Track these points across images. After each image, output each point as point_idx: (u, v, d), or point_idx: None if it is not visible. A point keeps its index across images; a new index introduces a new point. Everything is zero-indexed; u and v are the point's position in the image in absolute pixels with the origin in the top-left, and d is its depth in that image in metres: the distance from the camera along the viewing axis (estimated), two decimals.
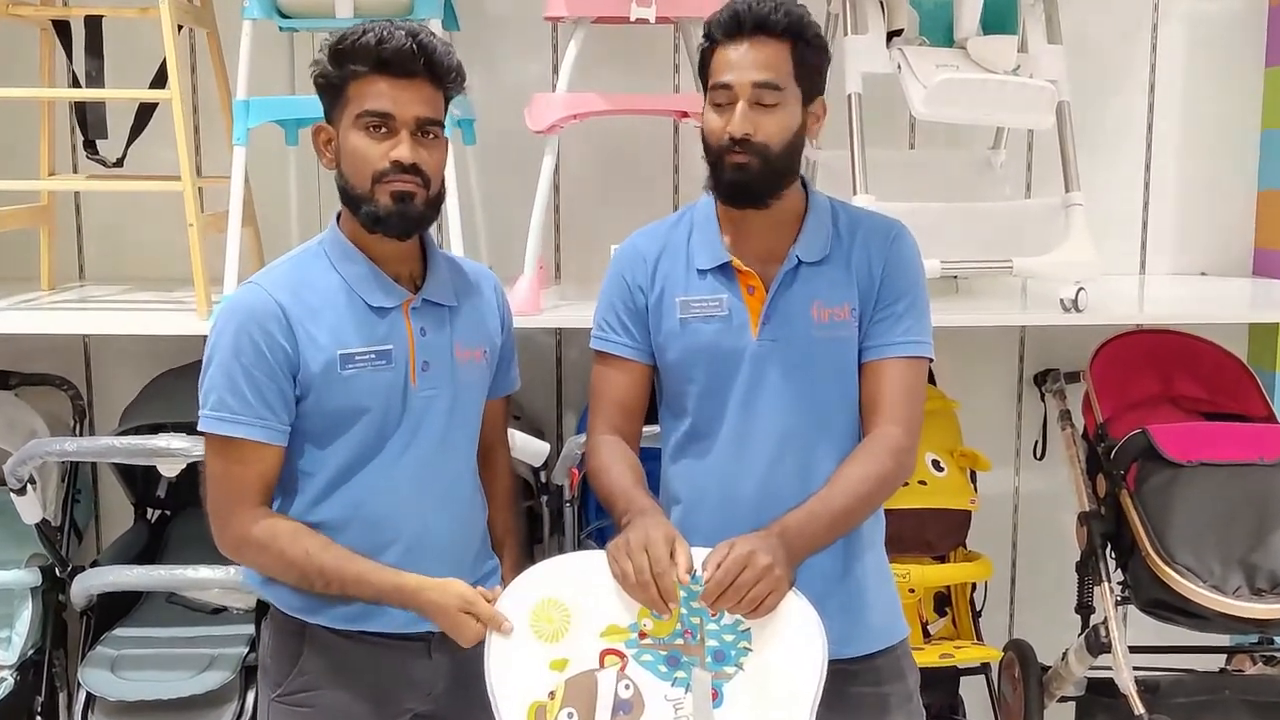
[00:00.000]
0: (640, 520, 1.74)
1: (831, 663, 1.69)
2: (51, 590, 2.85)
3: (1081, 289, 2.64)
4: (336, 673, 1.84)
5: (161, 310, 2.81)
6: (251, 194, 2.90)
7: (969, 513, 2.84)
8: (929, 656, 2.73)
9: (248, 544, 1.79)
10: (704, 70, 1.87)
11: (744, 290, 1.87)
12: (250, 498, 1.78)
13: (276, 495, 1.83)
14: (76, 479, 3.03)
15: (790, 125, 1.81)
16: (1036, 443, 3.32)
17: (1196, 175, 3.37)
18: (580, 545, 2.78)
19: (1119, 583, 2.73)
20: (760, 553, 1.65)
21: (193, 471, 2.63)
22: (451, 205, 2.60)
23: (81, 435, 3.07)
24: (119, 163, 2.89)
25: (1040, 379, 3.30)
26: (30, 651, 2.80)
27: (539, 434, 2.66)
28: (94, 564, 2.84)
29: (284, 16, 2.73)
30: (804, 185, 1.93)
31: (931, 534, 2.78)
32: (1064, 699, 2.97)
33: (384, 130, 1.75)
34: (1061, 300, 2.67)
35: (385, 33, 1.73)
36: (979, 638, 2.96)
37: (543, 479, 2.84)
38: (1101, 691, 2.85)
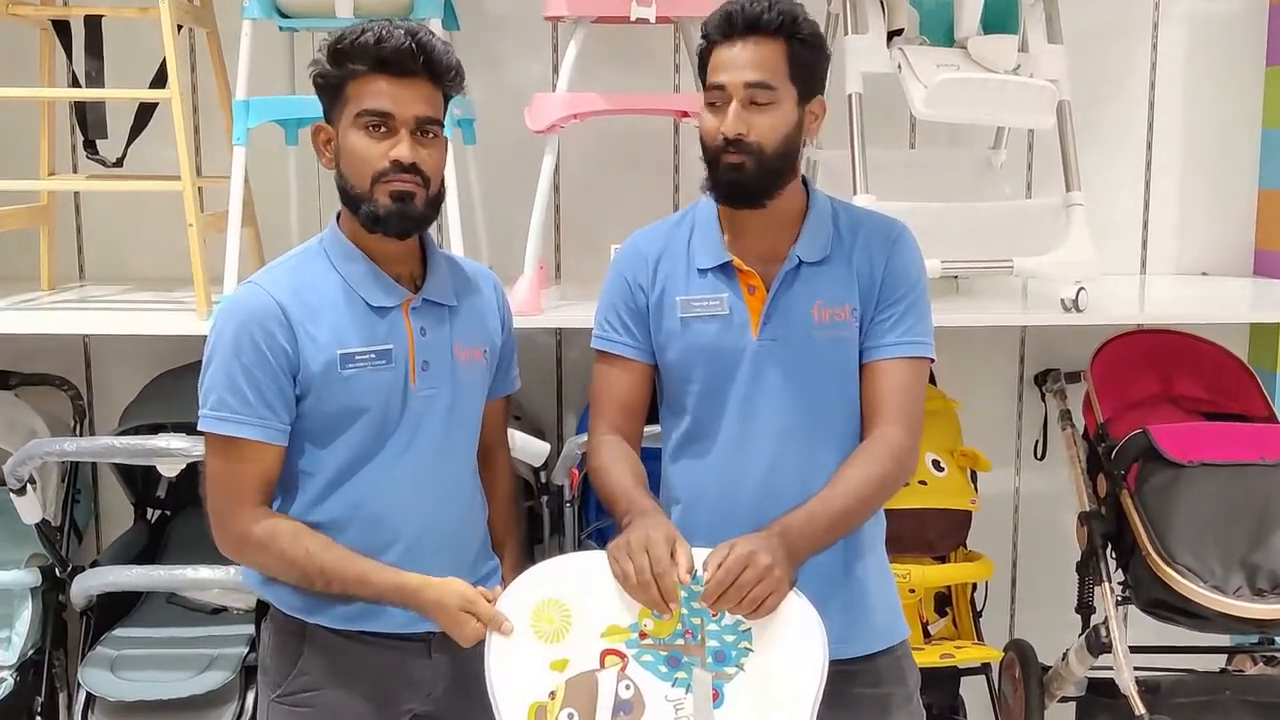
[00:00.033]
0: (641, 521, 1.74)
1: (832, 663, 1.68)
2: (51, 590, 2.85)
3: (1082, 289, 2.64)
4: (336, 673, 1.84)
5: (161, 310, 2.81)
6: (251, 194, 2.90)
7: (969, 513, 2.83)
8: (929, 656, 2.73)
9: (248, 544, 1.79)
10: (702, 71, 1.87)
11: (745, 290, 1.87)
12: (250, 497, 1.78)
13: (277, 495, 1.83)
14: (76, 479, 3.03)
15: (784, 125, 1.81)
16: (1037, 443, 3.32)
17: (1197, 175, 3.37)
18: (580, 545, 2.78)
19: (1119, 583, 2.73)
20: (761, 553, 1.65)
21: (193, 472, 2.63)
22: (451, 205, 2.60)
23: (81, 435, 3.07)
24: (119, 163, 2.89)
25: (1041, 379, 3.30)
26: (30, 652, 2.80)
27: (539, 434, 2.66)
28: (94, 564, 2.84)
29: (284, 16, 2.73)
30: (805, 185, 1.93)
31: (932, 534, 2.78)
32: (1064, 699, 2.97)
33: (383, 129, 1.75)
34: (1062, 300, 2.66)
35: (384, 32, 1.73)
36: (979, 638, 2.96)
37: (543, 479, 2.84)
38: (1102, 692, 2.84)
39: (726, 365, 1.86)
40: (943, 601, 3.02)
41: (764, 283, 1.86)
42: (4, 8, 2.78)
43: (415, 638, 1.84)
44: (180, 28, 2.70)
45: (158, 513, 3.12)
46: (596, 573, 1.72)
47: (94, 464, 3.18)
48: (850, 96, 2.65)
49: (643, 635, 1.70)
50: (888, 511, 1.98)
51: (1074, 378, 3.16)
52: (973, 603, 3.00)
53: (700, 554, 1.69)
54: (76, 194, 3.27)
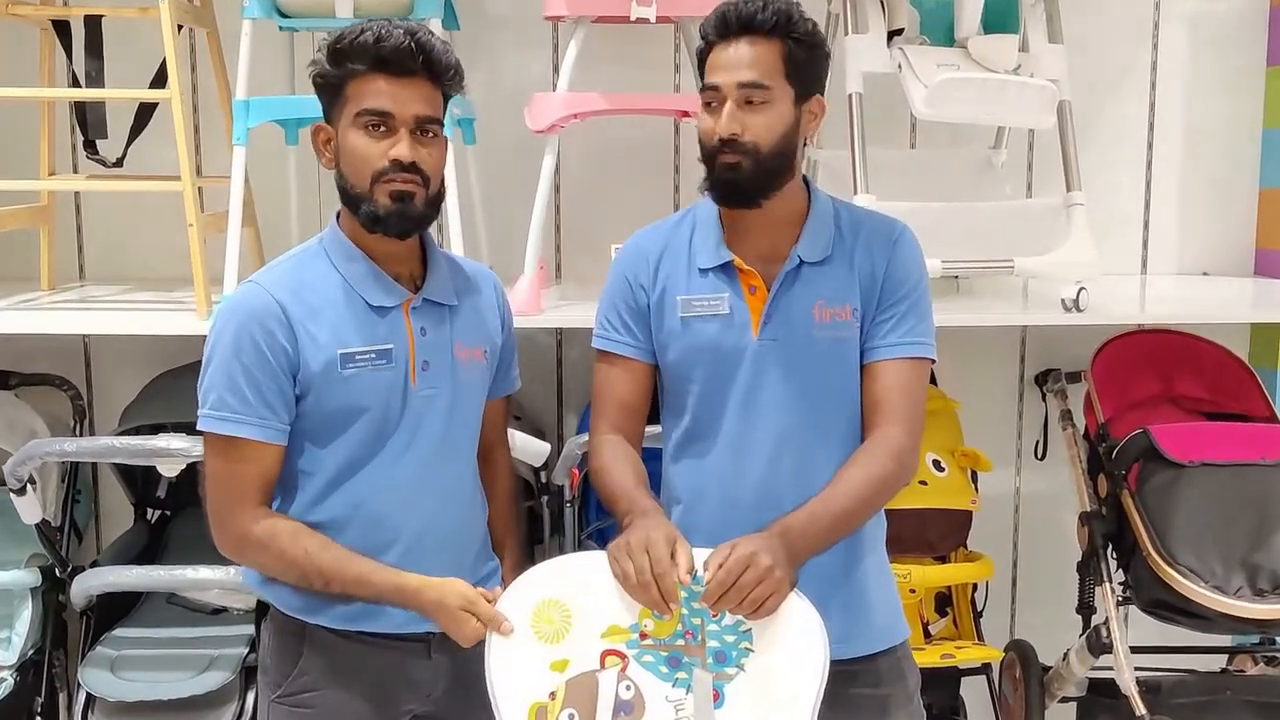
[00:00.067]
0: (641, 521, 1.74)
1: (832, 663, 1.68)
2: (51, 590, 2.85)
3: (1083, 289, 2.64)
4: (336, 673, 1.84)
5: (161, 310, 2.81)
6: (251, 194, 2.90)
7: (970, 513, 2.83)
8: (930, 657, 2.73)
9: (247, 544, 1.78)
10: (701, 71, 1.87)
11: (745, 290, 1.87)
12: (250, 497, 1.78)
13: (276, 495, 1.82)
14: (76, 479, 3.03)
15: (780, 124, 1.81)
16: (1038, 443, 3.32)
17: (1198, 175, 3.37)
18: (581, 545, 2.78)
19: (1120, 583, 2.72)
20: (762, 554, 1.65)
21: (192, 472, 2.63)
22: (452, 205, 2.60)
23: (81, 435, 3.06)
24: (119, 163, 2.89)
25: (1041, 379, 3.29)
26: (30, 652, 2.80)
27: (539, 434, 2.66)
28: (94, 564, 2.84)
29: (284, 16, 2.73)
30: (807, 185, 1.93)
31: (932, 534, 2.78)
32: (1065, 699, 2.97)
33: (383, 129, 1.75)
34: (1063, 300, 2.66)
35: (383, 31, 1.73)
36: (980, 638, 2.96)
37: (543, 479, 2.84)
38: (1103, 692, 2.84)
39: (727, 365, 1.86)
40: (943, 602, 3.02)
41: (765, 282, 1.86)
42: (4, 8, 2.78)
43: (415, 638, 1.83)
44: (180, 28, 2.70)
45: (158, 513, 3.12)
46: (597, 573, 1.72)
47: (94, 464, 3.17)
48: (850, 96, 2.64)
49: (643, 636, 1.70)
50: (888, 512, 1.98)
51: (1075, 378, 3.16)
52: (973, 603, 3.00)
53: (701, 554, 1.69)
54: (76, 194, 3.27)
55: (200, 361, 1.79)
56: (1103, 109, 3.29)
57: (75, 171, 3.21)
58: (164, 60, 2.62)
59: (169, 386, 2.91)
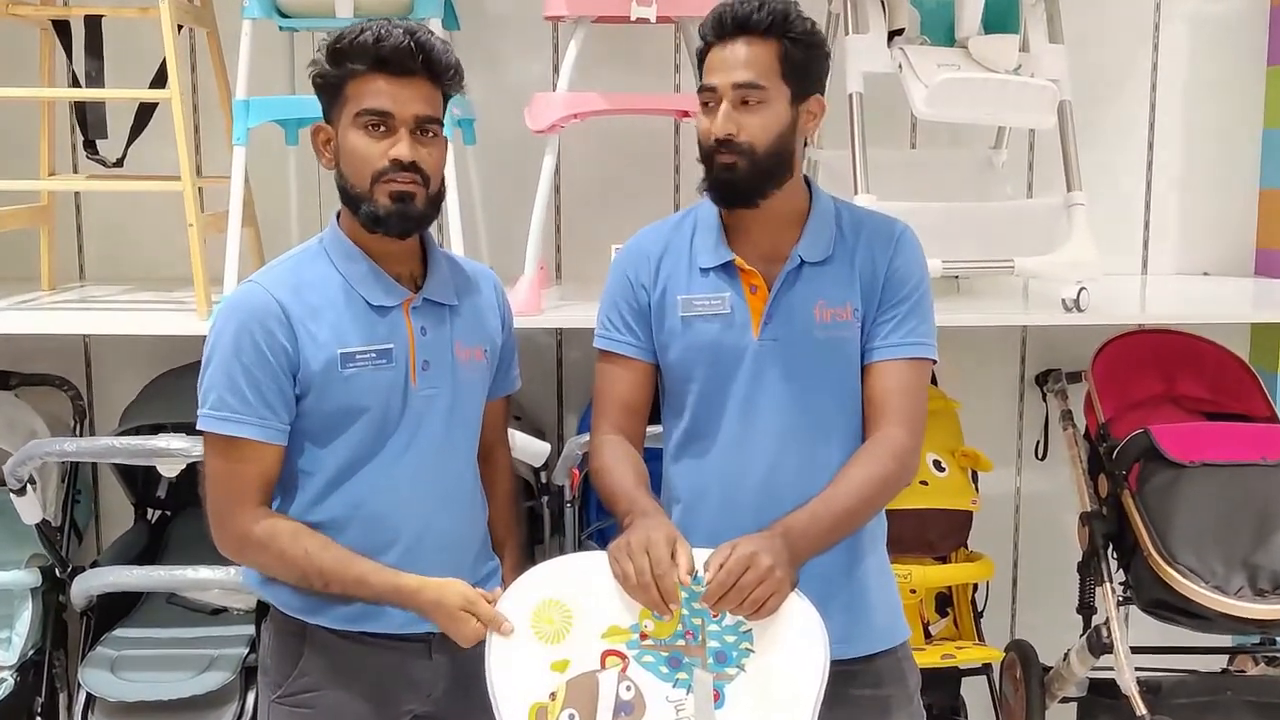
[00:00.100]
0: (642, 521, 1.74)
1: (832, 663, 1.68)
2: (51, 591, 2.85)
3: (1083, 289, 2.64)
4: (337, 673, 1.83)
5: (161, 310, 2.81)
6: (251, 194, 2.90)
7: (970, 513, 2.83)
8: (931, 657, 2.73)
9: (247, 544, 1.78)
10: (701, 72, 1.87)
11: (746, 289, 1.87)
12: (250, 497, 1.78)
13: (276, 495, 1.82)
14: (76, 479, 3.03)
15: (776, 124, 1.81)
16: (1038, 443, 3.32)
17: (1198, 175, 3.37)
18: (581, 546, 2.78)
19: (1121, 583, 2.72)
20: (763, 554, 1.65)
21: (193, 472, 2.63)
22: (452, 205, 2.60)
23: (81, 435, 3.07)
24: (119, 163, 2.89)
25: (1042, 379, 3.29)
26: (30, 652, 2.80)
27: (539, 434, 2.66)
28: (94, 564, 2.84)
29: (284, 16, 2.73)
30: (808, 185, 1.92)
31: (933, 534, 2.78)
32: (1066, 700, 2.96)
33: (383, 129, 1.74)
34: (1063, 300, 2.66)
35: (383, 31, 1.73)
36: (980, 638, 2.95)
37: (543, 479, 2.84)
38: (1103, 692, 2.84)
39: (727, 364, 1.86)
40: (944, 602, 3.02)
41: (766, 282, 1.86)
42: (4, 8, 2.78)
43: (415, 638, 1.83)
44: (180, 28, 2.70)
45: (158, 513, 3.12)
46: (597, 573, 1.72)
47: (94, 464, 3.17)
48: (851, 96, 2.64)
49: (643, 636, 1.70)
50: (889, 512, 1.98)
51: (1075, 378, 3.15)
52: (974, 603, 3.00)
53: (701, 554, 1.69)
54: (77, 194, 3.27)
55: (200, 361, 1.79)
56: (1103, 109, 3.29)
57: (75, 171, 3.21)
58: (164, 60, 2.62)
59: (169, 386, 2.91)
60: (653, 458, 1.94)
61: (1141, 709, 2.61)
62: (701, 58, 1.85)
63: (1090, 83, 3.14)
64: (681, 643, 1.69)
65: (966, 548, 2.88)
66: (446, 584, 1.75)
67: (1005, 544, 3.40)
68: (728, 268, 1.87)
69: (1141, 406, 2.89)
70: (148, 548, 2.99)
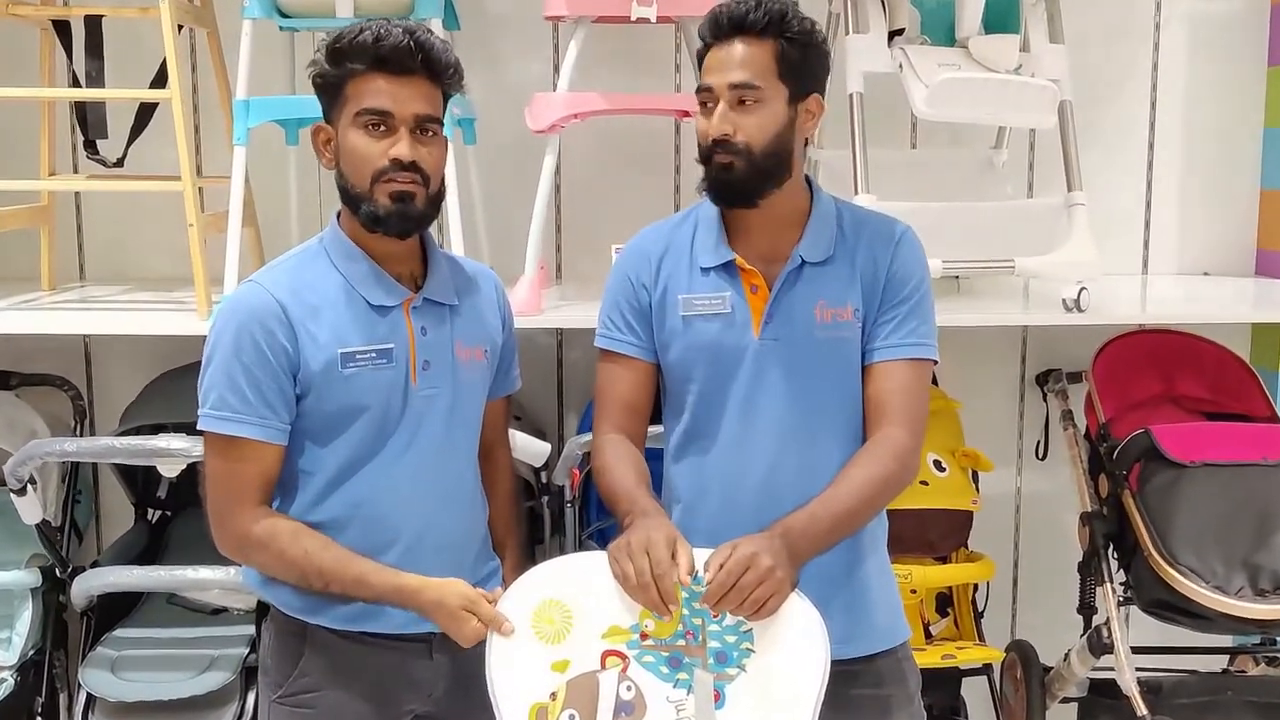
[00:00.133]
0: (642, 521, 1.73)
1: (833, 664, 1.68)
2: (52, 591, 2.85)
3: (1084, 289, 2.64)
4: (337, 673, 1.83)
5: (162, 310, 2.81)
6: (252, 194, 2.90)
7: (971, 513, 2.83)
8: (931, 657, 2.73)
9: (248, 543, 1.78)
10: (700, 72, 1.88)
11: (747, 289, 1.87)
12: (250, 497, 1.78)
13: (277, 495, 1.82)
14: (77, 479, 3.03)
15: (772, 124, 1.81)
16: (1039, 443, 3.32)
17: (1199, 175, 3.37)
18: (581, 546, 2.78)
19: (1121, 583, 2.72)
20: (763, 554, 1.65)
21: (193, 472, 2.63)
22: (452, 205, 2.60)
23: (82, 436, 3.06)
24: (119, 163, 2.89)
25: (1042, 379, 3.29)
26: (30, 652, 2.80)
27: (540, 434, 2.65)
28: (94, 564, 2.84)
29: (284, 16, 2.73)
30: (810, 185, 1.92)
31: (933, 534, 2.78)
32: (1066, 700, 2.96)
33: (383, 128, 1.74)
34: (1064, 300, 2.66)
35: (382, 30, 1.73)
36: (981, 638, 2.95)
37: (543, 479, 2.84)
38: (1104, 692, 2.84)
39: (728, 364, 1.86)
40: (944, 602, 3.02)
41: (766, 282, 1.86)
42: (4, 7, 2.77)
43: (416, 638, 1.83)
44: (180, 28, 2.70)
45: (158, 513, 3.12)
46: (597, 573, 1.71)
47: (94, 464, 3.17)
48: (851, 96, 2.64)
49: (644, 636, 1.70)
50: (889, 512, 1.98)
51: (1075, 378, 3.15)
52: (974, 603, 3.00)
53: (701, 555, 1.69)
54: (77, 194, 3.27)
55: (200, 362, 1.79)
56: (1104, 109, 3.29)
57: (76, 171, 3.21)
58: (164, 60, 2.61)
59: (169, 386, 2.91)
60: (654, 458, 1.94)
61: (1142, 709, 2.61)
62: (701, 58, 1.86)
63: (1091, 83, 3.14)
64: (682, 643, 1.69)
65: (967, 548, 2.88)
66: (447, 584, 1.75)
67: (1006, 544, 3.40)
68: (728, 267, 1.87)
69: (1142, 406, 2.89)
70: (148, 548, 2.99)
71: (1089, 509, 2.82)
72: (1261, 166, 3.36)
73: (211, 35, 2.96)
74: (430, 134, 1.77)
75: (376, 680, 1.84)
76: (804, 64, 1.82)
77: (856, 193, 2.59)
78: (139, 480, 3.07)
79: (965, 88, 2.57)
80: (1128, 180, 3.36)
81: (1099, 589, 2.76)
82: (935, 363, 1.91)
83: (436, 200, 1.81)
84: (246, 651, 2.66)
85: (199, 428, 1.78)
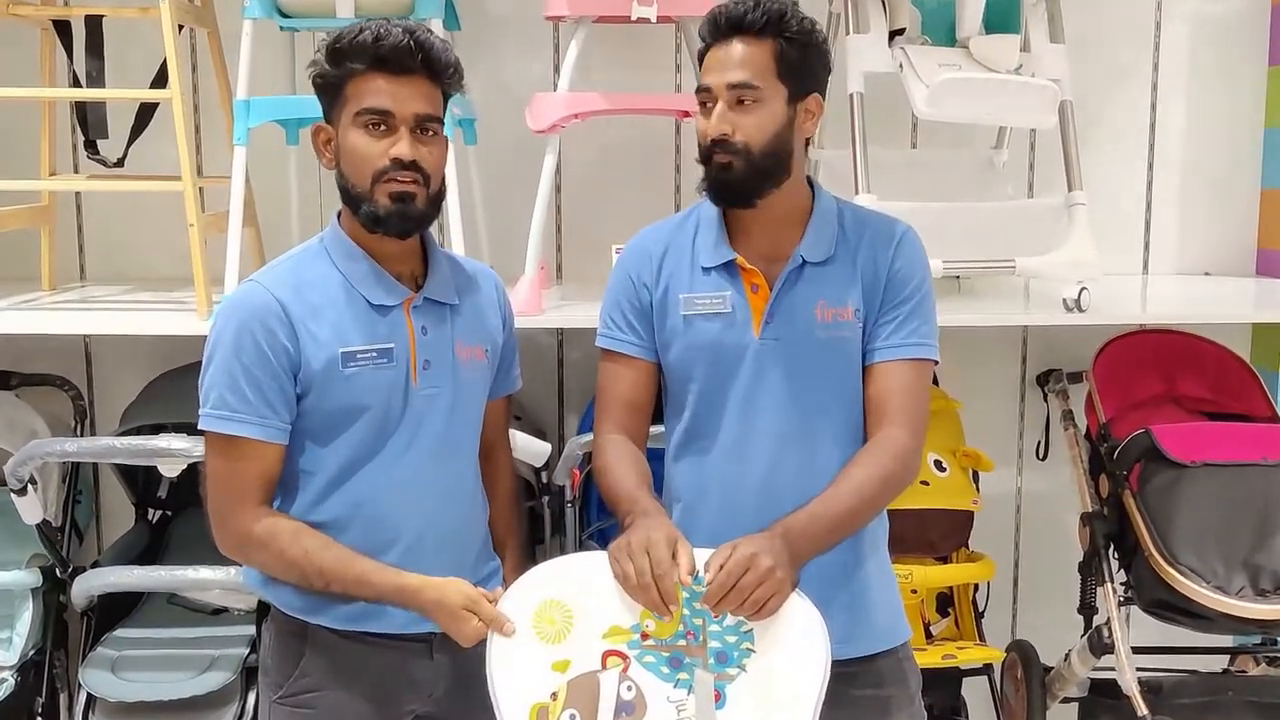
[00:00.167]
0: (643, 521, 1.73)
1: (833, 663, 1.68)
2: (52, 591, 2.85)
3: (1084, 289, 2.64)
4: (338, 673, 1.83)
5: (162, 310, 2.81)
6: (252, 194, 2.90)
7: (971, 513, 2.83)
8: (932, 657, 2.73)
9: (248, 543, 1.78)
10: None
11: (748, 288, 1.87)
12: (251, 496, 1.77)
13: (278, 495, 1.82)
14: (77, 479, 3.03)
15: (771, 124, 1.81)
16: (1039, 443, 3.32)
17: (1199, 175, 3.37)
18: (581, 546, 2.78)
19: (1122, 583, 2.72)
20: (763, 555, 1.65)
21: (193, 472, 2.63)
22: (453, 205, 2.60)
23: (82, 436, 3.06)
24: (120, 163, 2.89)
25: (1043, 379, 3.29)
26: (31, 652, 2.80)
27: (540, 434, 2.65)
28: (95, 565, 2.84)
29: (285, 16, 2.73)
30: (811, 185, 1.92)
31: (934, 534, 2.78)
32: (1067, 700, 2.96)
33: (383, 128, 1.74)
34: (1064, 300, 2.66)
35: (382, 30, 1.73)
36: (981, 638, 2.95)
37: (544, 479, 2.84)
38: (1104, 692, 2.84)
39: (728, 363, 1.86)
40: (945, 602, 3.02)
41: (767, 281, 1.86)
42: (4, 8, 2.77)
43: (417, 638, 1.83)
44: (181, 28, 2.70)
45: (159, 513, 3.12)
46: (598, 573, 1.71)
47: (95, 464, 3.17)
48: (852, 96, 2.64)
49: (644, 636, 1.70)
50: (890, 512, 1.98)
51: (1076, 378, 3.15)
52: (975, 603, 3.00)
53: (702, 555, 1.69)
54: (77, 194, 3.27)
55: (201, 361, 1.79)
56: (1104, 109, 3.29)
57: (76, 171, 3.21)
58: (165, 60, 2.61)
59: (170, 387, 2.91)
60: (655, 458, 1.94)
61: (1143, 709, 2.61)
62: (701, 58, 1.86)
63: (1091, 83, 3.15)
64: (683, 643, 1.69)
65: (967, 548, 2.88)
66: (448, 583, 1.74)
67: (1006, 544, 3.40)
68: (729, 267, 1.87)
69: (1143, 406, 2.89)
70: (148, 548, 2.99)
71: (1089, 509, 2.82)
72: (1262, 166, 3.36)
73: (212, 35, 2.96)
74: (430, 133, 1.77)
75: (377, 680, 1.84)
76: (803, 64, 1.82)
77: (857, 193, 2.59)
78: (139, 480, 3.07)
79: (966, 88, 2.57)
80: (1128, 180, 3.36)
81: (1099, 589, 2.76)
82: (936, 363, 1.91)
83: (437, 200, 1.81)
84: (247, 652, 2.66)
85: (200, 427, 1.78)
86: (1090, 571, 2.80)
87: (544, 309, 2.70)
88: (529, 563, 1.89)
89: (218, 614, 2.86)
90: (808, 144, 1.91)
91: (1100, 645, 2.70)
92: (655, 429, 1.97)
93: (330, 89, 1.77)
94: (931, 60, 2.60)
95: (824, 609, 1.70)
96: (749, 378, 1.86)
